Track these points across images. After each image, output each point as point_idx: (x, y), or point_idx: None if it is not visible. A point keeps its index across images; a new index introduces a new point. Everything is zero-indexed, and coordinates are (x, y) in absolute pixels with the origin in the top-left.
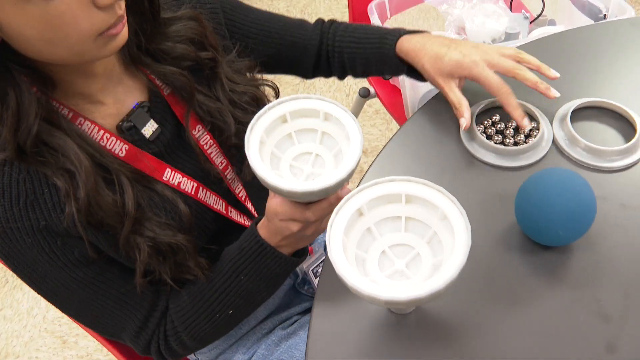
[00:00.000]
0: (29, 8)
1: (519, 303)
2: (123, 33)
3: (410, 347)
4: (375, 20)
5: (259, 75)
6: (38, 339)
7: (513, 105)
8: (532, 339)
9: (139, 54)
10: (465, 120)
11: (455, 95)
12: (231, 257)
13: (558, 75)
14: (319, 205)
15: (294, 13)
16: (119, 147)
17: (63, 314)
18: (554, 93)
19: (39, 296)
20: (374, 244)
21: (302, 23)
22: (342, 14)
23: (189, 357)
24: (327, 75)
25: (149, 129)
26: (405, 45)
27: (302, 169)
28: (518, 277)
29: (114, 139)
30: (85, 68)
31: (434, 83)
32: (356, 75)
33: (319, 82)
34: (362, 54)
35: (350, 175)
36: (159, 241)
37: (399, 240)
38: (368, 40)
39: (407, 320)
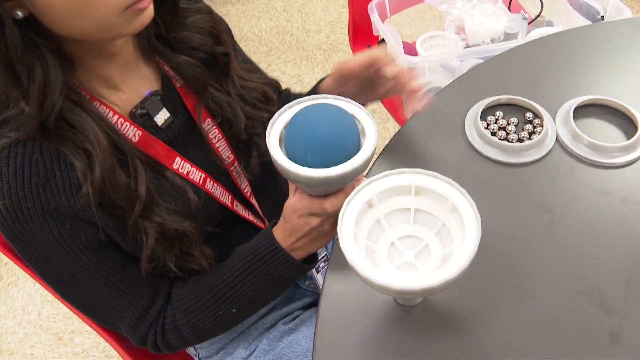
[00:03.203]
0: None
1: (523, 295)
2: (149, 10)
3: (417, 337)
4: (375, 19)
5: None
6: (33, 335)
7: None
8: (537, 330)
9: (157, 43)
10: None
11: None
12: (243, 256)
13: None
14: (336, 196)
15: (291, 12)
16: (133, 133)
17: (58, 311)
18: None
19: (34, 293)
20: (384, 235)
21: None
22: (339, 14)
23: (189, 352)
24: None
25: (162, 117)
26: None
27: None
28: (522, 270)
29: (128, 124)
30: (107, 49)
31: None
32: None
33: (316, 81)
34: None
35: (366, 163)
36: (166, 227)
37: (408, 231)
38: None
39: (414, 312)
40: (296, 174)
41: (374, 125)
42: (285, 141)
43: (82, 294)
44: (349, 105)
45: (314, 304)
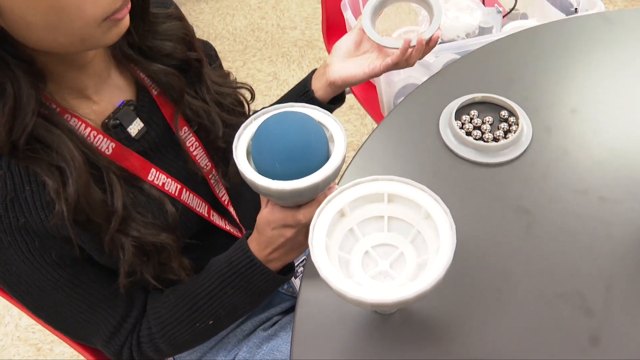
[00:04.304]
0: None
1: (502, 299)
2: (126, 19)
3: (395, 346)
4: (348, 16)
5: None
6: (10, 347)
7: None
8: (517, 334)
9: (130, 51)
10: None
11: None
12: (219, 268)
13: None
14: (308, 206)
15: (266, 9)
16: (106, 145)
17: (37, 322)
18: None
19: (11, 304)
20: (357, 244)
21: None
22: (314, 10)
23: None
24: None
25: (135, 127)
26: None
27: None
28: (501, 273)
29: (101, 136)
30: (78, 59)
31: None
32: None
33: (292, 78)
34: None
35: (337, 171)
36: (143, 241)
37: (382, 240)
38: None
39: (392, 320)
40: (266, 188)
41: (342, 132)
42: (253, 153)
43: (53, 310)
44: (316, 113)
45: (293, 308)
